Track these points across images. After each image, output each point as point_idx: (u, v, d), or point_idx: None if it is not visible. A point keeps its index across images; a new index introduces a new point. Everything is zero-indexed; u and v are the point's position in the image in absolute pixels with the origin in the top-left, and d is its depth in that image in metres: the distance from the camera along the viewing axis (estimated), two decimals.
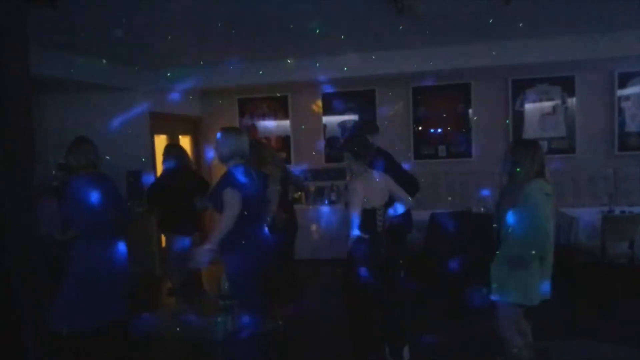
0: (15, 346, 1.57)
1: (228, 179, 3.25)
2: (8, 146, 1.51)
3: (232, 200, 3.14)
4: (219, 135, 3.43)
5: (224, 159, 3.38)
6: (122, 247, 3.63)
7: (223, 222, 3.12)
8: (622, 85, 6.88)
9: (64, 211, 3.44)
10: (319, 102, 7.75)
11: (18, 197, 1.53)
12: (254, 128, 7.96)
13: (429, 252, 5.62)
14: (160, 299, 5.91)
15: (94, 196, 3.44)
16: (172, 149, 5.58)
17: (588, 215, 5.71)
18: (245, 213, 3.20)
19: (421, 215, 5.82)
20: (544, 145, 7.08)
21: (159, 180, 5.54)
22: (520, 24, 5.05)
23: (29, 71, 1.52)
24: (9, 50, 1.43)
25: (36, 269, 1.63)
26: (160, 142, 7.21)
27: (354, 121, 7.62)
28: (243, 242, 3.22)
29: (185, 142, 7.79)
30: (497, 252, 3.26)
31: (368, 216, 3.45)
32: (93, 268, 3.40)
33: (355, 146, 3.58)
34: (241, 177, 3.20)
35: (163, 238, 5.91)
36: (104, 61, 5.89)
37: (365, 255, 3.41)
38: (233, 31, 4.80)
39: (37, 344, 1.65)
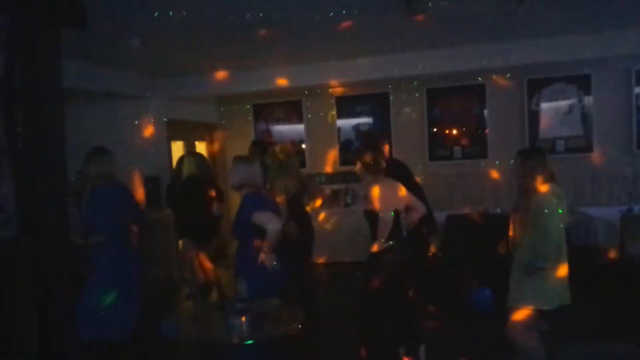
0: (55, 353, 1.62)
1: (250, 204, 3.34)
2: (44, 153, 1.59)
3: (267, 218, 3.24)
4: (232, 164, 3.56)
5: (235, 188, 3.47)
6: (138, 256, 3.71)
7: (271, 238, 3.22)
8: None
9: (89, 218, 3.53)
10: (334, 113, 7.79)
11: (54, 202, 1.60)
12: (268, 133, 8.02)
13: (445, 254, 5.60)
14: (178, 303, 5.97)
15: (117, 205, 3.54)
16: (191, 156, 5.62)
17: (607, 214, 5.64)
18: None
19: (437, 217, 5.82)
20: (561, 144, 7.04)
21: (176, 186, 5.57)
22: (535, 23, 5.03)
23: (61, 83, 1.61)
24: (45, 66, 1.52)
25: (70, 275, 1.70)
26: (177, 148, 7.30)
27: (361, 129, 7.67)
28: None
29: (201, 148, 7.87)
30: (513, 259, 3.31)
31: (393, 221, 3.50)
32: (115, 276, 3.47)
33: (366, 159, 3.68)
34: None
35: (180, 243, 5.95)
36: (122, 70, 5.99)
37: (393, 261, 3.46)
38: (246, 39, 4.86)
39: (76, 351, 1.71)
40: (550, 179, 3.20)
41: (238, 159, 3.58)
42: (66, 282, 1.70)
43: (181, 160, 5.52)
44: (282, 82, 6.37)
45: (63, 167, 1.65)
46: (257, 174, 3.47)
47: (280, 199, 4.05)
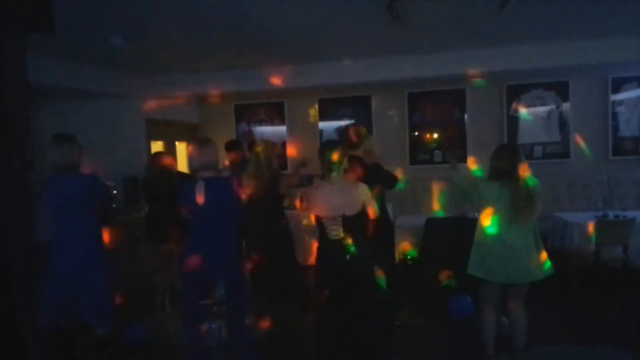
0: (15, 345, 1.62)
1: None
2: (6, 153, 1.58)
3: None
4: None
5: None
6: (98, 251, 3.52)
7: None
8: (616, 90, 6.94)
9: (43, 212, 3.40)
10: (315, 110, 7.79)
11: (16, 200, 1.59)
12: (250, 134, 8.00)
13: (424, 258, 5.63)
14: (154, 307, 5.90)
15: (62, 198, 3.39)
16: (157, 156, 5.58)
17: (582, 219, 5.74)
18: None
19: (416, 221, 5.86)
20: (539, 150, 7.15)
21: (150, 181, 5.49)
22: (515, 30, 5.11)
23: (27, 86, 1.60)
24: (10, 70, 1.51)
25: (33, 271, 1.70)
26: (157, 148, 7.23)
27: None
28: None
29: (181, 148, 7.81)
30: None
31: (318, 224, 3.46)
32: (59, 271, 3.33)
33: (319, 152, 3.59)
34: None
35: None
36: (101, 68, 5.92)
37: (320, 265, 3.46)
38: (229, 39, 4.84)
39: (36, 343, 1.70)
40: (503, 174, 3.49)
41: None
42: (28, 281, 1.69)
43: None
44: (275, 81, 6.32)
45: (27, 169, 1.64)
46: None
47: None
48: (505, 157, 3.48)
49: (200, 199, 3.26)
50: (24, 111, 1.58)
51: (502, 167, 3.46)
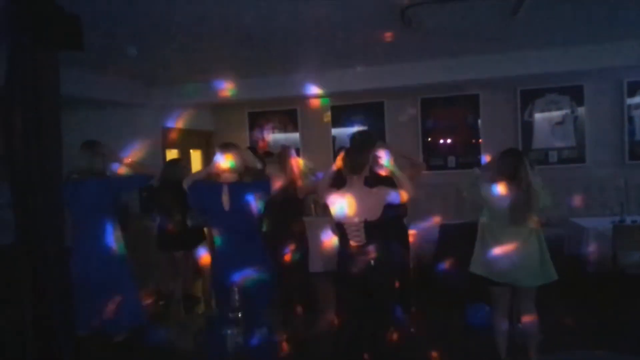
0: (50, 351, 1.66)
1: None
2: (41, 162, 1.64)
3: None
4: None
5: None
6: (119, 253, 3.58)
7: None
8: (632, 93, 6.87)
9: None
10: (328, 114, 7.84)
11: (50, 208, 1.64)
12: (264, 141, 8.06)
13: (439, 264, 5.62)
14: (171, 312, 5.95)
15: (76, 202, 3.46)
16: (172, 163, 5.74)
17: (599, 224, 5.68)
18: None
19: (431, 226, 5.84)
20: (554, 155, 7.11)
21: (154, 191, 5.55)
22: (528, 35, 5.09)
23: (59, 100, 1.68)
24: (43, 84, 1.59)
25: (68, 279, 1.75)
26: (172, 156, 7.30)
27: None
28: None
29: (196, 156, 7.88)
30: None
31: (339, 230, 3.46)
32: (77, 276, 3.35)
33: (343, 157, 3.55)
34: None
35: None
36: (119, 78, 6.02)
37: (341, 269, 3.45)
38: (242, 47, 4.89)
39: (71, 350, 1.75)
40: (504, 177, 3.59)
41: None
42: (61, 285, 1.74)
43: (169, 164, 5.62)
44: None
45: (59, 177, 1.70)
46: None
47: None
48: (508, 161, 3.58)
49: (225, 204, 3.29)
50: (56, 122, 1.65)
51: (505, 170, 3.56)
